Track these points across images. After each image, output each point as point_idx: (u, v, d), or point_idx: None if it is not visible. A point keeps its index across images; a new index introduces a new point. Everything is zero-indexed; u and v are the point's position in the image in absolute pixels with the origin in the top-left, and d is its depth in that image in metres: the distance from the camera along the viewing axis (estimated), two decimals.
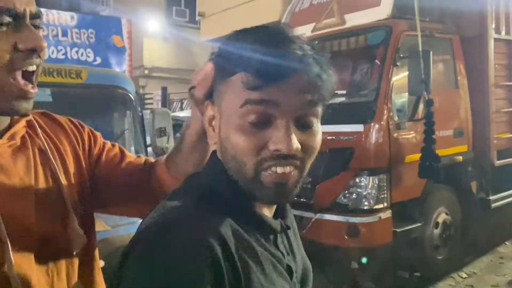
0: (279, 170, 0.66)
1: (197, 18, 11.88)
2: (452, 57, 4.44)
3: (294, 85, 0.65)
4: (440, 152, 3.79)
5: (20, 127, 0.86)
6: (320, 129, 0.71)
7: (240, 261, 0.63)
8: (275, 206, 0.77)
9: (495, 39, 4.60)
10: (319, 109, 0.69)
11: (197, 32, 12.49)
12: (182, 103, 12.95)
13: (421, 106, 3.93)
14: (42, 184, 0.86)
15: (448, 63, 4.44)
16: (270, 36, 0.67)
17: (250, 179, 0.67)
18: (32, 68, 0.80)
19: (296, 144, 0.65)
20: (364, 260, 3.72)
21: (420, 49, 3.70)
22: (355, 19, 4.34)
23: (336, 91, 4.31)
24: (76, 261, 0.89)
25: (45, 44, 0.80)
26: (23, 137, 0.87)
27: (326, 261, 3.85)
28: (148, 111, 3.22)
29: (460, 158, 4.31)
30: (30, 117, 0.90)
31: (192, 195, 0.69)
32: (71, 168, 0.94)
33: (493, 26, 4.59)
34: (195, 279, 0.58)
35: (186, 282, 0.58)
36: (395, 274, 4.16)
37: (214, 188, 0.71)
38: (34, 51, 0.78)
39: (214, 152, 0.76)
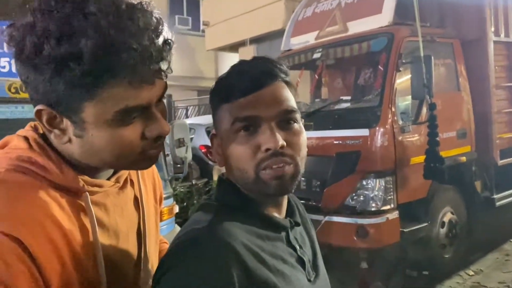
0: (274, 166, 0.80)
1: (202, 27, 12.04)
2: (453, 60, 4.55)
3: (268, 96, 0.81)
4: (444, 153, 3.90)
5: (125, 171, 0.90)
6: (302, 130, 0.86)
7: (252, 264, 0.75)
8: (284, 208, 0.91)
9: (495, 42, 4.72)
10: (295, 115, 0.84)
11: (200, 39, 12.65)
12: (187, 111, 13.08)
13: (424, 109, 4.03)
14: (129, 228, 0.90)
15: (450, 66, 4.55)
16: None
17: (252, 181, 0.82)
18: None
19: (281, 140, 0.79)
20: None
21: (422, 54, 3.82)
22: (357, 27, 4.45)
23: (341, 97, 4.44)
24: None
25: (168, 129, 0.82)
26: (125, 180, 0.91)
27: (336, 262, 3.95)
28: None
29: (464, 158, 4.42)
30: None
31: (209, 213, 0.82)
32: (152, 221, 1.00)
33: (492, 29, 4.71)
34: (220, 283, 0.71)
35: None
36: (404, 273, 4.25)
37: (226, 201, 0.86)
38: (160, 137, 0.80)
39: (220, 176, 0.91)
